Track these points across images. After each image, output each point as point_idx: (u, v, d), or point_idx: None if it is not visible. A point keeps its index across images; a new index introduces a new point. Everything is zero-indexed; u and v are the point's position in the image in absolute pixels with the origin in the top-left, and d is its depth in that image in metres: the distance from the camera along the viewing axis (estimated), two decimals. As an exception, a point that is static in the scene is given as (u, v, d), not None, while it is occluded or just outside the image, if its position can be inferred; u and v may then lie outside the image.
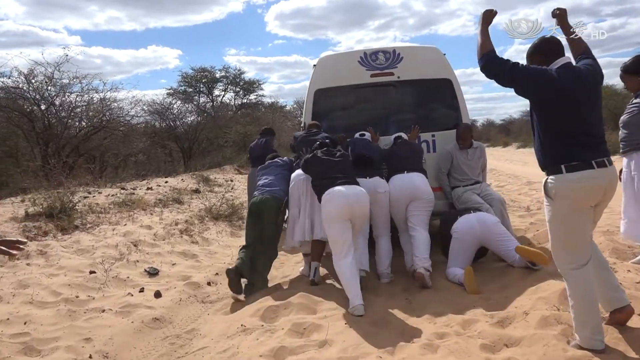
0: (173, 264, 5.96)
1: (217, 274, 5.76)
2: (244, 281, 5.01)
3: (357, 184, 4.67)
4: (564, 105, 2.87)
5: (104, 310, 4.33)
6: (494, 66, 2.98)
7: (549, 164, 2.94)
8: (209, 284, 5.38)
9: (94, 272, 5.18)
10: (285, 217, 5.33)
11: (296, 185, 5.15)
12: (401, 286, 4.92)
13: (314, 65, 6.24)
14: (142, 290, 4.93)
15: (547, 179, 2.92)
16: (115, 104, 16.60)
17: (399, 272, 5.28)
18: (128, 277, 5.25)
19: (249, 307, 4.48)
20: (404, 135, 5.66)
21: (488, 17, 3.19)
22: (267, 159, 5.88)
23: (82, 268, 5.29)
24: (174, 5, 79.63)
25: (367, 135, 5.62)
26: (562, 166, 2.86)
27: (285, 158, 5.89)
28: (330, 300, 4.44)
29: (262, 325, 3.85)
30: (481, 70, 2.99)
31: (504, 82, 2.97)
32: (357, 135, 5.64)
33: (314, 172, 4.81)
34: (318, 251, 5.01)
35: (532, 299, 3.71)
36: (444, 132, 5.94)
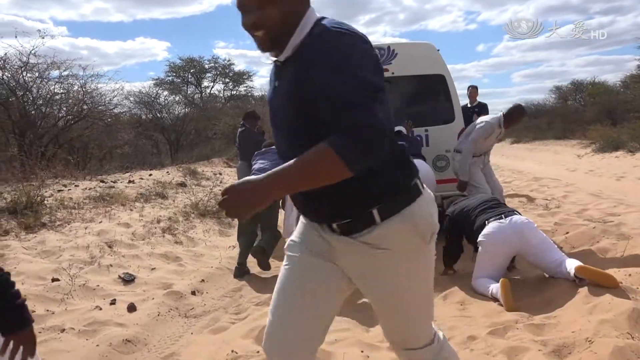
0: (152, 269, 5.18)
1: (203, 280, 4.99)
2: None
3: None
4: None
5: (63, 330, 3.55)
6: None
7: (393, 189, 1.64)
8: (193, 293, 4.61)
9: (57, 280, 4.39)
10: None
11: None
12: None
13: None
14: (113, 302, 4.16)
15: (402, 215, 1.62)
16: (97, 92, 15.66)
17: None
18: (98, 286, 4.46)
19: (241, 324, 3.74)
20: (403, 129, 5.78)
21: None
22: (263, 145, 5.78)
23: (44, 274, 4.50)
24: (162, -4, 78.15)
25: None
26: (417, 181, 1.71)
27: None
28: (341, 316, 3.73)
29: (258, 352, 3.10)
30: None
31: None
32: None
33: None
34: None
35: (593, 322, 2.99)
36: (437, 126, 6.03)
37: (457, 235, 4.46)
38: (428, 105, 6.24)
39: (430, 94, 6.27)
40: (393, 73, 6.03)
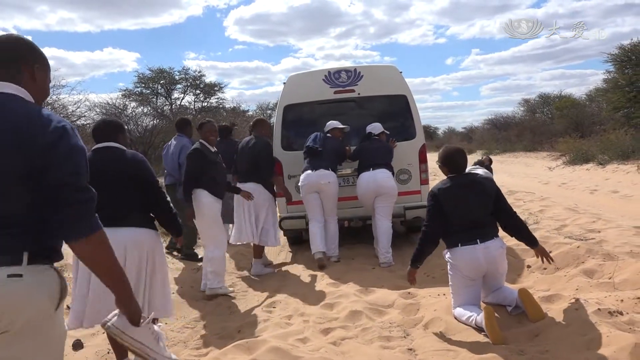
0: (107, 297, 4.73)
1: (162, 309, 4.56)
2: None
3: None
4: None
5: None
6: None
7: None
8: (150, 324, 4.18)
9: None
10: None
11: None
12: (396, 324, 3.88)
13: (284, 83, 6.84)
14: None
15: None
16: (59, 104, 15.04)
17: (390, 304, 4.26)
18: (42, 318, 4.00)
19: (201, 363, 3.35)
20: (374, 130, 6.11)
21: None
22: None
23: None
24: (131, 8, 77.12)
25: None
26: None
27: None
28: (312, 348, 3.38)
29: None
30: None
31: None
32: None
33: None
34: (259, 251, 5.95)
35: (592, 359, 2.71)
36: (400, 142, 6.41)
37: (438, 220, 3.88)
38: (391, 123, 6.57)
39: (393, 112, 6.71)
40: (359, 93, 6.54)
